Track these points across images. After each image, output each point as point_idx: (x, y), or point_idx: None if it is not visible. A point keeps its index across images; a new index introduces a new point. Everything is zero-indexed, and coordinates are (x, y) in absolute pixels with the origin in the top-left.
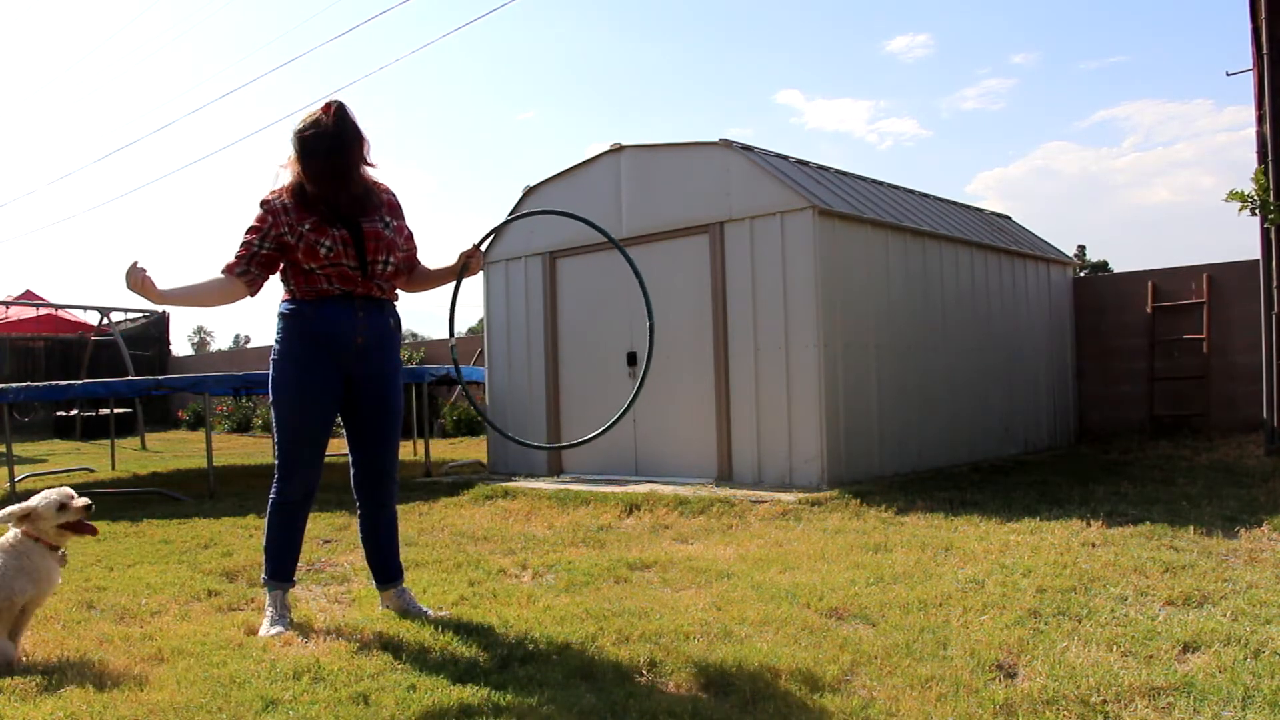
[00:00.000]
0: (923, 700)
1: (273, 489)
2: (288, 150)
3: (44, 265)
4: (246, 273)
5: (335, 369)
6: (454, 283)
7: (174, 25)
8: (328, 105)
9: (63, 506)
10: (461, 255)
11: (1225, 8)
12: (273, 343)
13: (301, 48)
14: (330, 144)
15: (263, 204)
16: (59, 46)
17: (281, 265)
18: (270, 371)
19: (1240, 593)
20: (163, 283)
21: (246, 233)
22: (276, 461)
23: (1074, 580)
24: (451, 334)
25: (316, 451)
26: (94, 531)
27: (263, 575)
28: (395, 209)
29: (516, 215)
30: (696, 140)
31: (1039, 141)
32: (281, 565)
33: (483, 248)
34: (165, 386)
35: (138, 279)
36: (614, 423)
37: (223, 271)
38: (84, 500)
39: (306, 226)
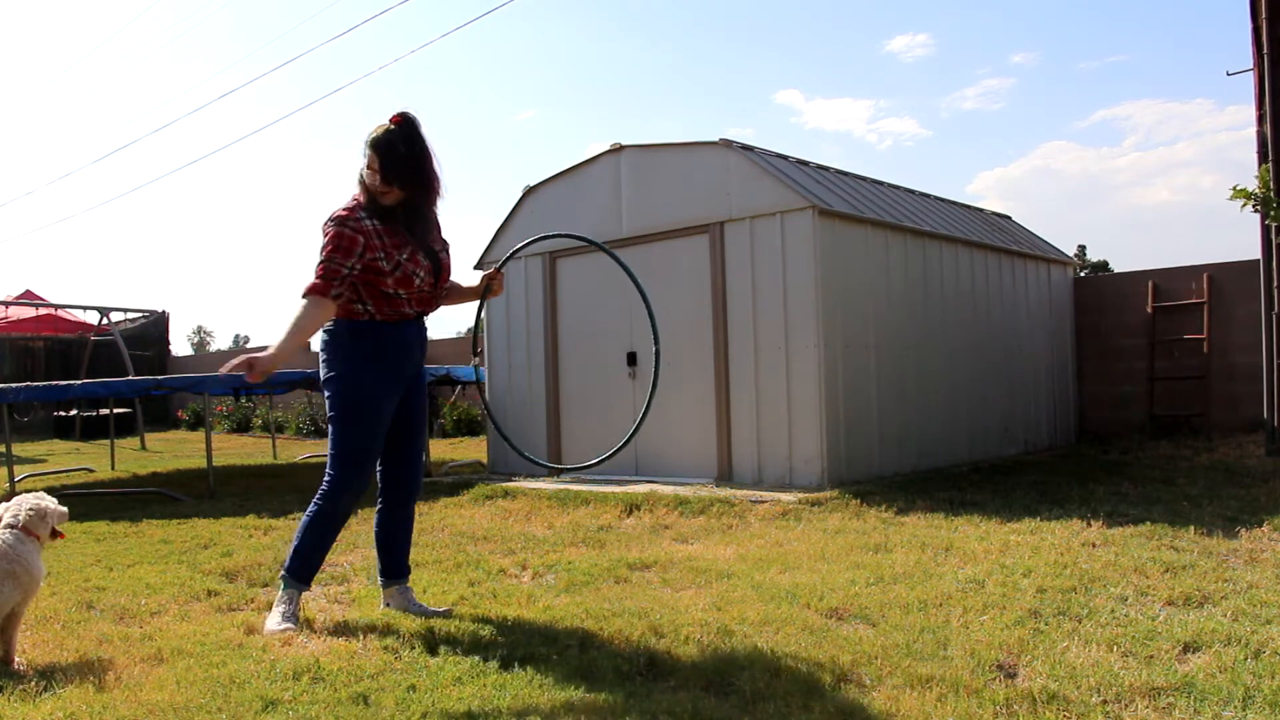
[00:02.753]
0: (923, 700)
1: (326, 497)
2: (363, 164)
3: (44, 265)
4: (340, 295)
5: (402, 387)
6: (477, 302)
7: (174, 25)
8: (400, 116)
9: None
10: (484, 278)
11: (1225, 7)
12: (336, 354)
13: (301, 48)
14: (416, 153)
15: (348, 223)
16: (59, 46)
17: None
18: (340, 386)
19: (1241, 593)
20: (269, 338)
21: (335, 253)
22: (336, 471)
23: (1074, 580)
24: (475, 353)
25: (374, 466)
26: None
27: (283, 571)
28: (440, 230)
29: (537, 238)
30: (696, 140)
31: (1039, 141)
32: (310, 568)
33: (504, 270)
34: (165, 386)
35: (262, 367)
36: (626, 441)
37: (310, 294)
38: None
39: (404, 256)
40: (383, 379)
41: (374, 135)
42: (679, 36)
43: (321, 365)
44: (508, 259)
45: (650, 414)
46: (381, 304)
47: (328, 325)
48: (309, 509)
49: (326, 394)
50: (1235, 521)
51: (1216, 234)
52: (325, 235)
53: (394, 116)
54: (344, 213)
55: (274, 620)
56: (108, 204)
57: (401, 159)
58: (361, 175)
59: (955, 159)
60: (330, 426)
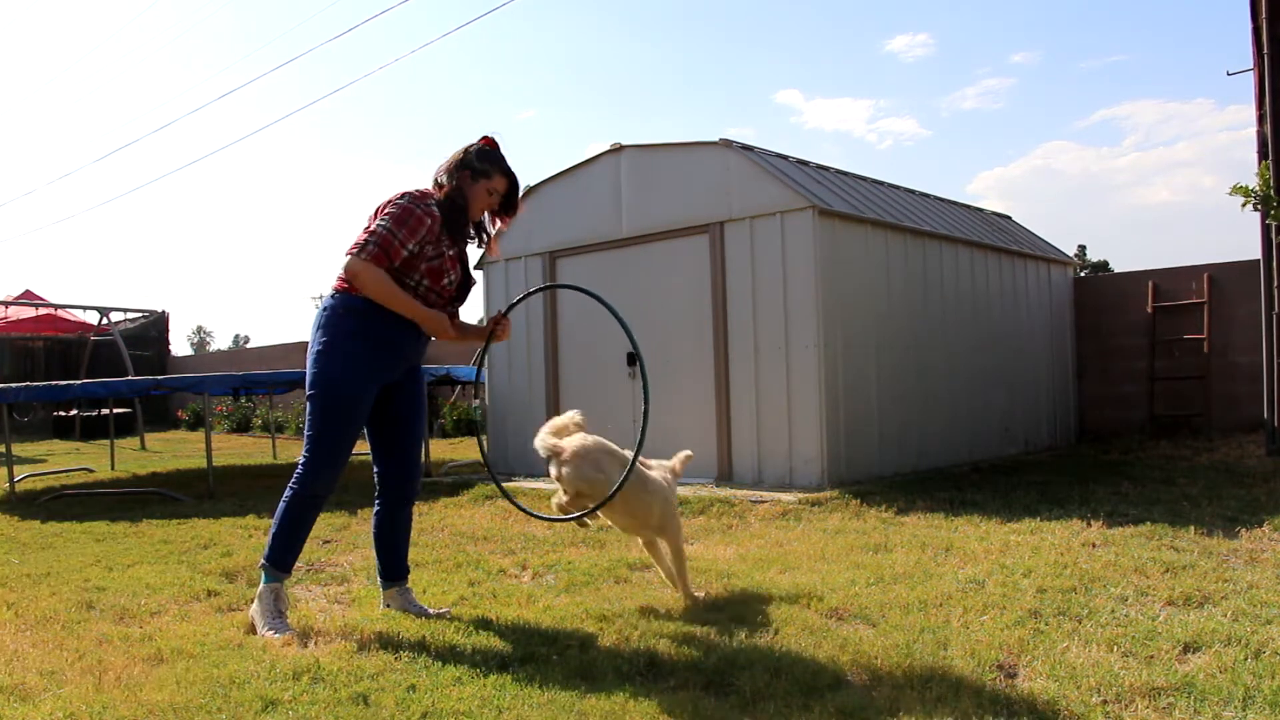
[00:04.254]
0: (923, 700)
1: (301, 480)
2: (458, 169)
3: (44, 265)
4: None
5: (385, 380)
6: (482, 345)
7: (174, 25)
8: (492, 140)
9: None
10: (490, 321)
11: (1225, 7)
12: (323, 330)
13: (301, 48)
14: (509, 170)
15: (423, 204)
16: (59, 46)
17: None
18: (324, 363)
19: (1241, 593)
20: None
21: (401, 228)
22: (309, 454)
23: (1074, 580)
24: (477, 393)
25: (349, 451)
26: None
27: (263, 560)
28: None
29: (539, 289)
30: (696, 140)
31: (1039, 141)
32: (288, 556)
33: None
34: (165, 386)
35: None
36: (614, 492)
37: (372, 264)
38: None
39: (448, 250)
40: (366, 363)
41: (477, 147)
42: (679, 36)
43: (311, 341)
44: (517, 301)
45: (650, 414)
46: None
47: (327, 301)
48: (285, 494)
49: (311, 371)
50: (1235, 521)
51: (1216, 234)
52: (396, 206)
53: (487, 139)
54: (419, 193)
55: (264, 627)
56: (108, 204)
57: (503, 170)
58: (452, 180)
59: (955, 159)
60: (308, 405)
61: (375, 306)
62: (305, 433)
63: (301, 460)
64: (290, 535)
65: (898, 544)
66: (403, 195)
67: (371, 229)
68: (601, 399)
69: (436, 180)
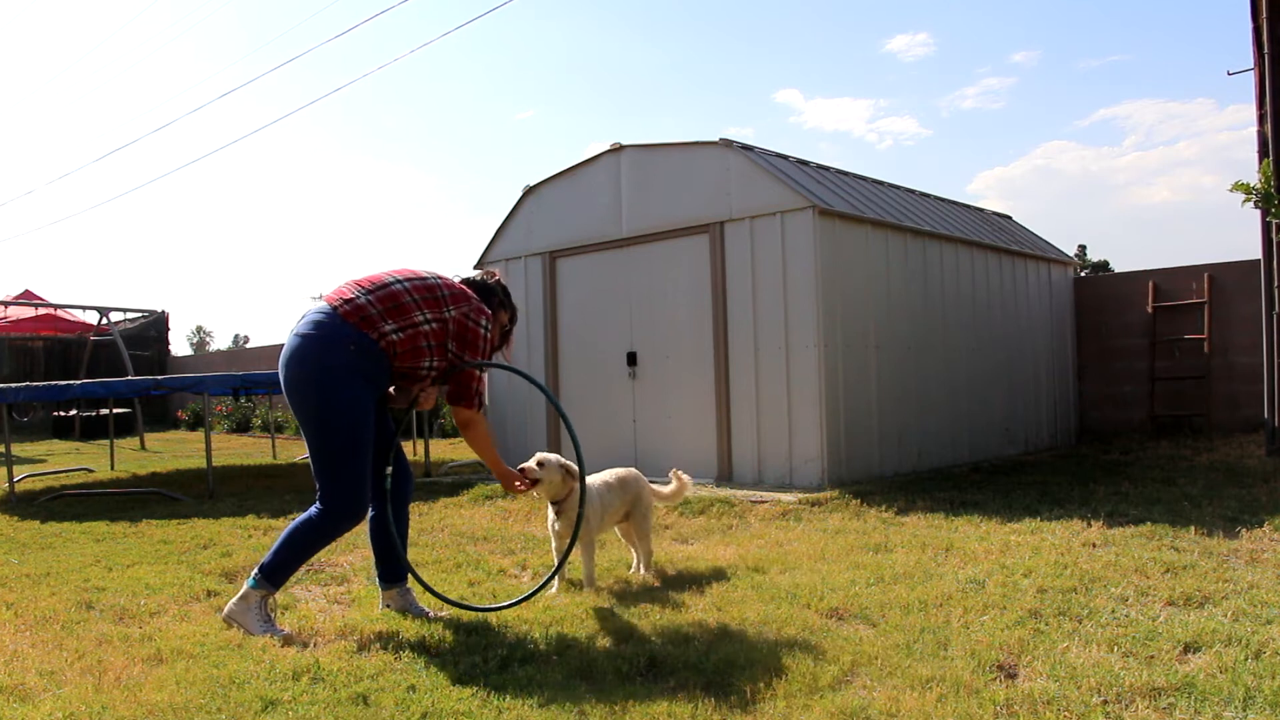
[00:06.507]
0: (923, 700)
1: (328, 519)
2: (502, 305)
3: (44, 265)
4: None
5: None
6: (403, 409)
7: (174, 25)
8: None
9: None
10: (415, 389)
11: (1226, 7)
12: (328, 355)
13: (301, 48)
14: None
15: (490, 329)
16: (59, 46)
17: (415, 340)
18: (347, 396)
19: (1241, 593)
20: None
21: (483, 354)
22: (338, 495)
23: (1075, 581)
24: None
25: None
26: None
27: (257, 572)
28: None
29: (502, 366)
30: (696, 140)
31: (1039, 141)
32: (288, 576)
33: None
34: (165, 386)
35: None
36: (553, 575)
37: (478, 411)
38: None
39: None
40: (370, 398)
41: (509, 301)
42: (679, 36)
43: (306, 364)
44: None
45: (650, 414)
46: (406, 359)
47: (313, 319)
48: (306, 520)
49: (326, 400)
50: (1236, 521)
51: (1217, 234)
52: (484, 341)
53: (495, 274)
54: (489, 316)
55: (260, 629)
56: (108, 204)
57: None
58: (494, 324)
59: (955, 159)
60: (321, 439)
61: (385, 359)
62: (326, 467)
63: (328, 498)
64: (294, 558)
65: (898, 544)
66: (484, 320)
67: (479, 377)
68: (602, 398)
69: (470, 284)
